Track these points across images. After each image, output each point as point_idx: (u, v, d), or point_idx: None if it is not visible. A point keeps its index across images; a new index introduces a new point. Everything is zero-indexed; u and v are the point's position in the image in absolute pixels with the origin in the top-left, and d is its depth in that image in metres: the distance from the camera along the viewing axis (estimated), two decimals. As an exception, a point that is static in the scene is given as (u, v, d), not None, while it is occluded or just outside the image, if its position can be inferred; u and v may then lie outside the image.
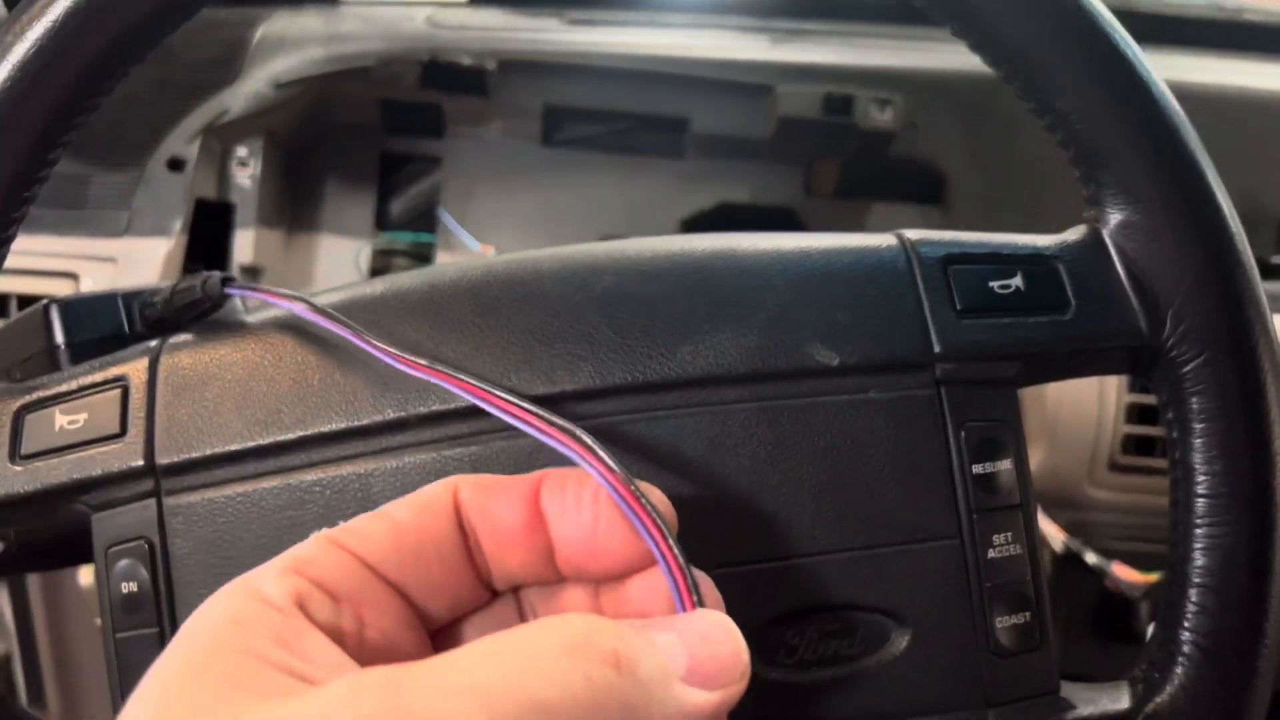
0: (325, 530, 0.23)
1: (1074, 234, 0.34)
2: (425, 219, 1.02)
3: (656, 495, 0.25)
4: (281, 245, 0.97)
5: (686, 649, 0.21)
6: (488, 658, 0.19)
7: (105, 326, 0.37)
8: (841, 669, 0.31)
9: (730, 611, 0.25)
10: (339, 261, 0.98)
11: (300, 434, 0.31)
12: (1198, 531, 0.31)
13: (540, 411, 0.26)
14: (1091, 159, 0.33)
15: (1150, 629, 0.70)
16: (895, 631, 0.31)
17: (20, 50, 0.31)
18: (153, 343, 0.34)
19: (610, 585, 0.25)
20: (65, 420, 0.32)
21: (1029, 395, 0.75)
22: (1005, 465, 0.32)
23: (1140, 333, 0.32)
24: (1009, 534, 0.31)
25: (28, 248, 0.81)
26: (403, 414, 0.31)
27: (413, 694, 0.17)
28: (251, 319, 0.35)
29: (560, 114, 0.98)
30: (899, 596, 0.31)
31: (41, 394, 0.33)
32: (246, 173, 0.92)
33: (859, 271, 0.33)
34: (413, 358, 0.29)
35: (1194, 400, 0.32)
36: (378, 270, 0.99)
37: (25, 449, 0.32)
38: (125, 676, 0.31)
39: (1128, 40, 0.33)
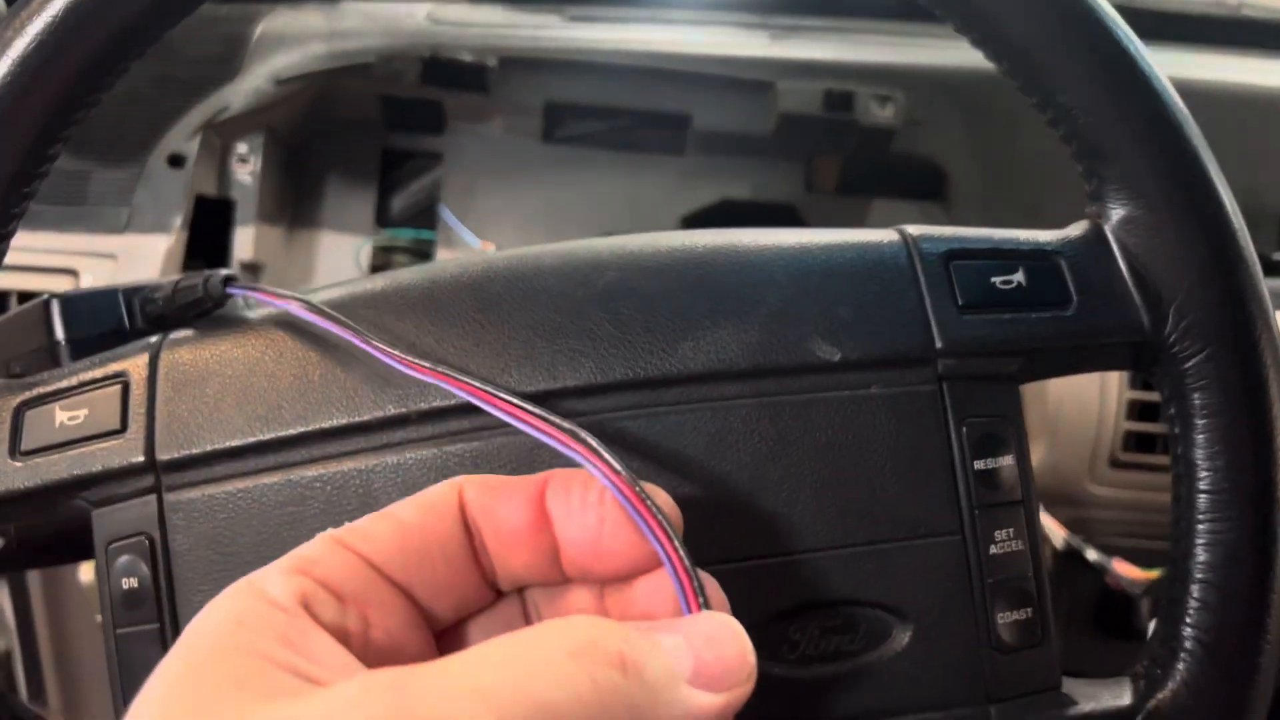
0: (330, 530, 0.23)
1: (1076, 229, 0.34)
2: (426, 216, 1.01)
3: (662, 497, 0.25)
4: (282, 242, 0.97)
5: (692, 651, 0.21)
6: (494, 660, 0.19)
7: (106, 322, 0.37)
8: (843, 665, 0.30)
9: (732, 607, 0.25)
10: (339, 258, 0.98)
11: (301, 430, 0.31)
12: (1200, 527, 0.31)
13: (544, 413, 0.26)
14: (1094, 154, 0.33)
15: (1151, 626, 0.70)
16: (897, 627, 0.31)
17: (20, 45, 0.31)
18: (153, 338, 0.34)
19: (615, 586, 0.25)
20: (65, 416, 0.32)
21: (1030, 392, 0.74)
22: (1007, 461, 0.32)
23: (1142, 328, 0.32)
24: (1010, 530, 0.31)
25: (28, 244, 0.81)
26: (404, 410, 0.31)
27: (420, 696, 0.17)
28: (252, 315, 0.35)
29: (561, 110, 0.98)
30: (901, 592, 0.31)
31: (42, 390, 0.33)
32: (247, 169, 0.92)
33: (860, 267, 0.33)
34: (417, 360, 0.29)
35: (1196, 396, 0.32)
36: (378, 267, 0.99)
37: (25, 445, 0.32)
38: (126, 672, 0.31)
39: (1130, 35, 0.32)
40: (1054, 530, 0.76)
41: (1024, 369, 0.33)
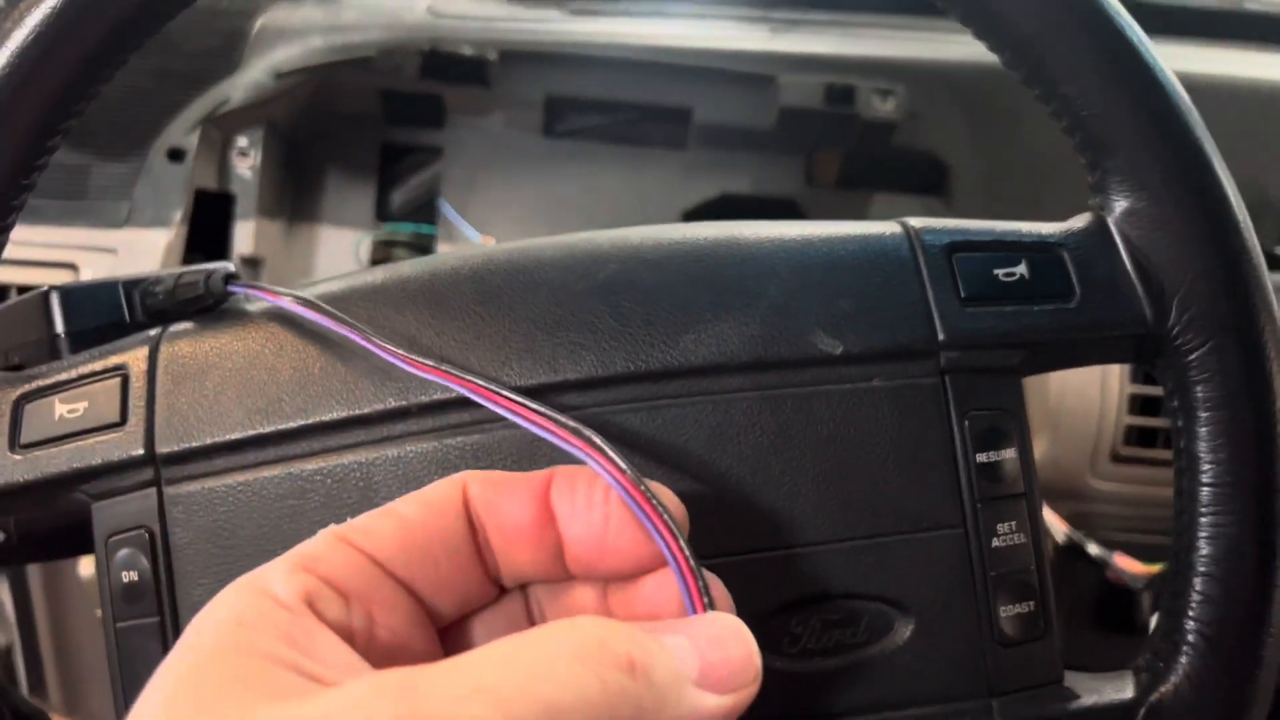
0: (333, 527, 0.23)
1: (1079, 221, 0.34)
2: (426, 210, 1.01)
3: (667, 496, 0.24)
4: (282, 236, 0.97)
5: (698, 652, 0.21)
6: (502, 661, 0.19)
7: (105, 315, 0.36)
8: (845, 658, 0.30)
9: (733, 600, 0.25)
10: (339, 252, 0.98)
11: (301, 423, 0.31)
12: (1202, 520, 0.31)
13: (548, 411, 0.26)
14: (1097, 146, 0.33)
15: (1152, 620, 0.70)
16: (899, 621, 0.31)
17: (19, 37, 0.31)
18: (153, 331, 0.34)
19: (619, 584, 0.25)
20: (65, 409, 0.32)
21: (1031, 386, 0.74)
22: (1009, 454, 0.32)
23: (1145, 321, 0.32)
24: (1013, 523, 0.31)
25: (27, 238, 0.81)
26: (404, 403, 0.31)
27: (428, 697, 0.17)
28: (252, 308, 0.34)
29: (561, 104, 0.98)
30: (903, 586, 0.31)
31: (41, 383, 0.33)
32: (247, 163, 0.92)
33: (863, 259, 0.33)
34: (418, 358, 0.29)
35: (1199, 389, 0.32)
36: (378, 261, 0.99)
37: (25, 438, 0.32)
38: (126, 666, 0.31)
39: (1134, 27, 0.32)
40: (1055, 525, 0.76)
41: (1026, 362, 0.32)
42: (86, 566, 0.78)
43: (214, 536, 0.31)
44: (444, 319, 0.32)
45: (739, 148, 1.00)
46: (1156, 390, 0.73)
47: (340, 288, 0.33)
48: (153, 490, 0.31)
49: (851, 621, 0.31)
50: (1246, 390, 0.31)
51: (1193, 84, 0.34)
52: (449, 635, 0.25)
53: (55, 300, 0.36)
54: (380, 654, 0.21)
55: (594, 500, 0.24)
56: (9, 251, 0.34)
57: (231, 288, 0.35)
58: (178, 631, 0.29)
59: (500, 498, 0.24)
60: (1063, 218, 0.35)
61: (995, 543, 0.31)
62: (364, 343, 0.30)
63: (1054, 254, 0.33)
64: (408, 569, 0.23)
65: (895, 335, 0.32)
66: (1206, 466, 0.31)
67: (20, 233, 0.34)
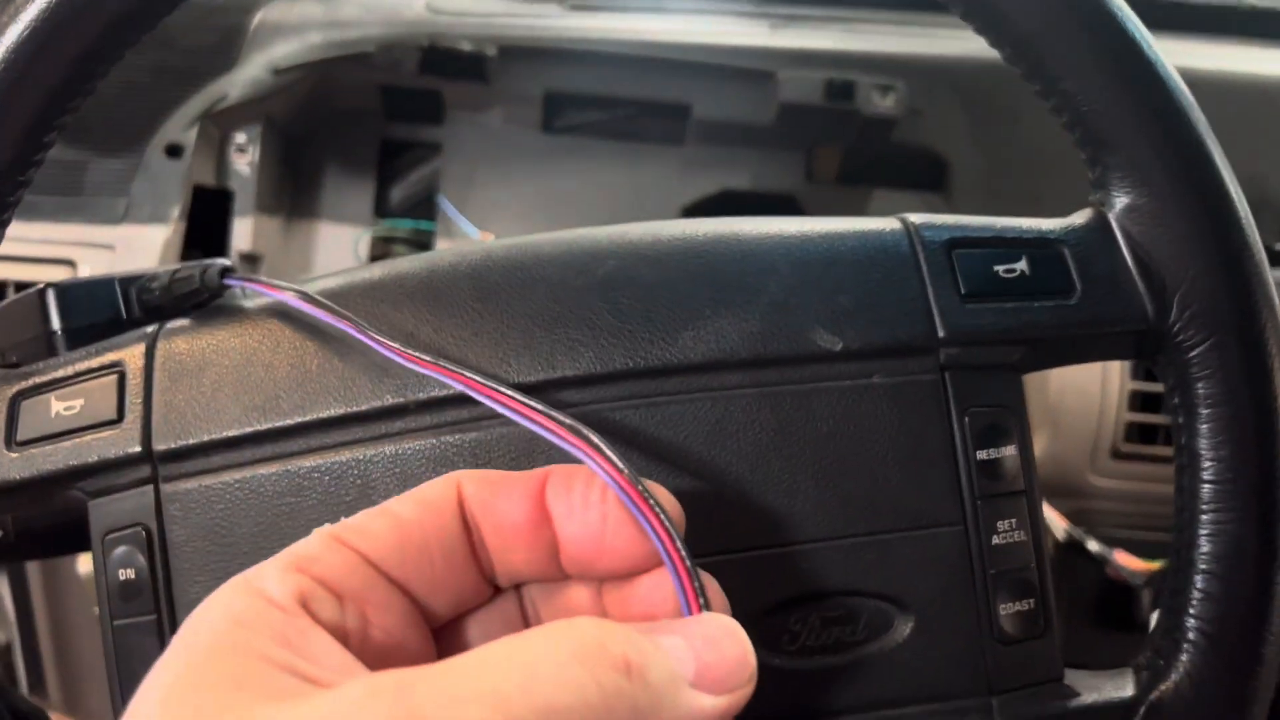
0: (327, 526, 0.23)
1: (1079, 217, 0.34)
2: (425, 206, 1.01)
3: (664, 495, 0.24)
4: (280, 232, 0.96)
5: (694, 653, 0.21)
6: (500, 663, 0.19)
7: (102, 312, 0.36)
8: (844, 656, 0.30)
9: (732, 598, 0.25)
10: (338, 249, 0.98)
11: (298, 420, 0.31)
12: (1203, 518, 0.31)
13: (546, 408, 0.25)
14: (1097, 142, 0.33)
15: (1153, 617, 0.70)
16: (898, 618, 0.31)
17: (14, 32, 0.31)
18: (149, 328, 0.34)
19: (614, 584, 0.25)
20: (61, 406, 0.32)
21: (1031, 383, 0.74)
22: (1009, 451, 0.31)
23: (1146, 317, 0.32)
24: (1013, 520, 0.31)
25: (24, 234, 0.80)
26: (401, 400, 0.31)
27: (425, 698, 0.17)
28: (249, 305, 0.34)
29: (560, 100, 0.98)
30: (902, 583, 0.31)
31: (37, 380, 0.33)
32: (245, 159, 0.92)
33: (862, 255, 0.33)
34: (416, 353, 0.29)
35: (1200, 385, 0.31)
36: (377, 257, 0.98)
37: (21, 435, 0.32)
38: (123, 664, 0.31)
39: (1136, 22, 0.32)
40: (1055, 521, 0.76)
41: (1027, 358, 0.32)
42: (85, 564, 0.78)
43: (211, 534, 0.31)
44: (442, 315, 0.32)
45: (738, 143, 1.00)
46: (1157, 387, 0.73)
47: (338, 284, 0.33)
48: (149, 488, 0.31)
49: (851, 619, 0.30)
50: (1248, 387, 0.31)
51: (1194, 79, 0.33)
52: (443, 635, 0.24)
53: (51, 297, 0.36)
54: (374, 654, 0.21)
55: (590, 500, 0.24)
56: (6, 248, 0.34)
57: (228, 281, 0.34)
58: (175, 629, 0.29)
59: (495, 497, 0.24)
60: (1063, 214, 0.35)
61: (995, 540, 0.31)
62: (360, 336, 0.30)
63: (1054, 250, 0.33)
64: (402, 569, 0.23)
65: (895, 331, 0.31)
66: (1207, 464, 0.31)
67: (18, 229, 0.34)
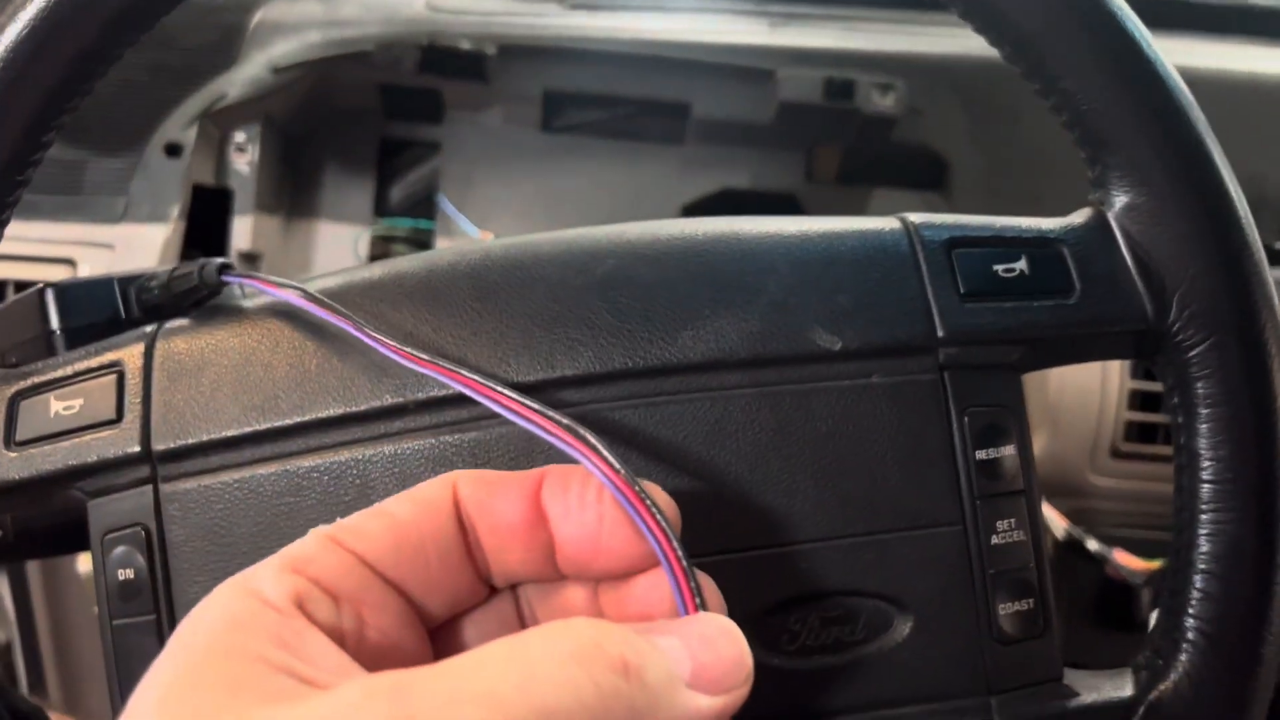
0: (323, 527, 0.23)
1: (1079, 217, 0.34)
2: (425, 205, 1.01)
3: (660, 496, 0.24)
4: (280, 231, 0.96)
5: (691, 653, 0.21)
6: (496, 663, 0.19)
7: (101, 312, 0.36)
8: (843, 656, 0.30)
9: (732, 598, 0.25)
10: (338, 248, 0.98)
11: (297, 420, 0.31)
12: (1203, 518, 0.31)
13: (543, 408, 0.25)
14: (1097, 141, 0.33)
15: (1152, 617, 0.70)
16: (897, 618, 0.31)
17: (13, 31, 0.31)
18: (148, 328, 0.34)
19: (610, 584, 0.25)
20: (61, 406, 0.32)
21: (1031, 382, 0.74)
22: (1009, 451, 0.31)
23: (1145, 317, 0.32)
24: (1012, 520, 0.31)
25: (24, 234, 0.80)
26: (400, 400, 0.31)
27: (423, 700, 0.17)
28: (248, 304, 0.34)
29: (560, 99, 0.98)
30: (901, 583, 0.30)
31: (37, 380, 0.33)
32: (245, 158, 0.92)
33: (861, 255, 0.33)
34: (414, 351, 0.29)
35: (1199, 385, 0.31)
36: (377, 256, 0.98)
37: (20, 435, 0.32)
38: (123, 664, 0.31)
39: (1135, 21, 0.32)
40: (1055, 521, 0.76)
41: (1026, 358, 0.32)
42: (85, 563, 0.78)
43: (210, 534, 0.31)
44: (441, 315, 0.32)
45: (738, 143, 1.00)
46: (1157, 386, 0.73)
47: (337, 283, 0.33)
48: (149, 488, 0.31)
49: (850, 619, 0.30)
50: (1247, 387, 0.31)
51: (1193, 78, 0.33)
52: (439, 636, 0.24)
53: (50, 297, 0.36)
54: (370, 655, 0.21)
55: (587, 500, 0.24)
56: (5, 248, 0.34)
57: (226, 278, 0.34)
58: (174, 629, 0.29)
59: (491, 497, 0.24)
60: (1063, 213, 0.35)
61: (994, 540, 0.31)
62: (359, 335, 0.30)
63: (1054, 249, 0.33)
64: (398, 569, 0.23)
65: (894, 331, 0.31)
66: (1207, 464, 0.31)
67: (17, 228, 0.34)
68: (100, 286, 0.37)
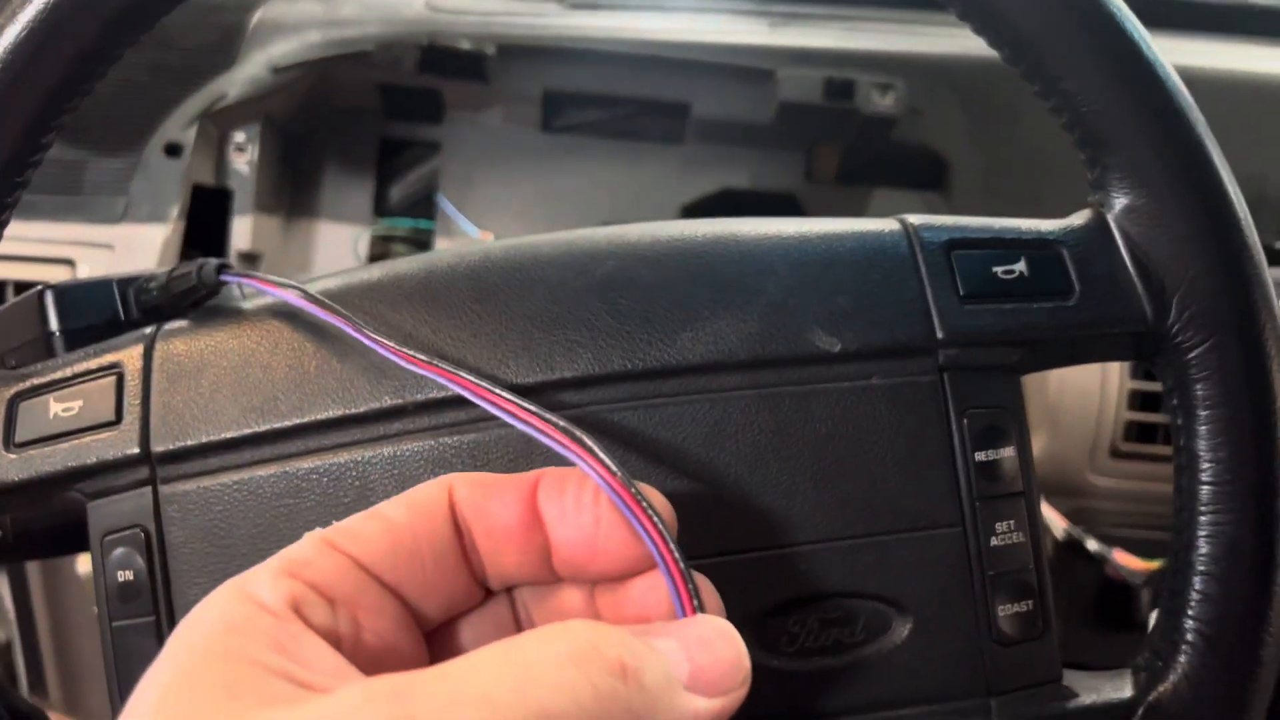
0: (319, 530, 0.23)
1: (1078, 218, 0.34)
2: (424, 205, 1.01)
3: (657, 498, 0.24)
4: (280, 231, 0.96)
5: (688, 655, 0.21)
6: (495, 666, 0.19)
7: (100, 313, 0.36)
8: (843, 657, 0.30)
9: (731, 600, 0.25)
10: (337, 248, 0.98)
11: (297, 421, 0.31)
12: (1202, 519, 0.31)
13: (540, 410, 0.25)
14: (1096, 142, 0.33)
15: (1152, 617, 0.70)
16: (897, 620, 0.31)
17: (12, 32, 0.31)
18: (148, 329, 0.34)
19: (607, 586, 0.25)
20: (60, 408, 0.32)
21: (1031, 382, 0.74)
22: (1008, 452, 0.31)
23: (1145, 318, 0.32)
24: (1011, 522, 0.31)
25: (23, 234, 0.80)
26: (399, 401, 0.31)
27: (421, 703, 0.17)
28: (247, 305, 0.34)
29: (560, 99, 0.98)
30: (900, 584, 0.30)
31: (36, 381, 0.33)
32: (244, 158, 0.92)
33: (861, 256, 0.33)
34: (412, 352, 0.29)
35: (1199, 386, 0.31)
36: (376, 256, 0.98)
37: (20, 436, 0.32)
38: (122, 665, 0.31)
39: (1135, 22, 0.32)
40: (1054, 521, 0.76)
41: (1026, 359, 0.32)
42: (85, 564, 0.78)
43: (209, 536, 0.31)
44: (440, 316, 0.32)
45: (737, 143, 1.00)
46: (1156, 386, 0.73)
47: (336, 284, 0.33)
48: (148, 489, 0.31)
49: (849, 620, 0.30)
50: (1246, 388, 0.31)
51: (1193, 78, 0.33)
52: (435, 639, 0.24)
53: (50, 299, 0.36)
54: (367, 658, 0.21)
55: (583, 502, 0.24)
56: (5, 248, 0.34)
57: (224, 278, 0.34)
58: (173, 630, 0.29)
59: (487, 500, 0.24)
60: (1062, 214, 0.35)
61: (994, 541, 0.31)
62: (358, 336, 0.30)
63: (1053, 251, 0.33)
64: (394, 572, 0.23)
65: (893, 333, 0.31)
66: (1206, 465, 0.31)
67: (17, 228, 0.34)
68: (99, 288, 0.37)
